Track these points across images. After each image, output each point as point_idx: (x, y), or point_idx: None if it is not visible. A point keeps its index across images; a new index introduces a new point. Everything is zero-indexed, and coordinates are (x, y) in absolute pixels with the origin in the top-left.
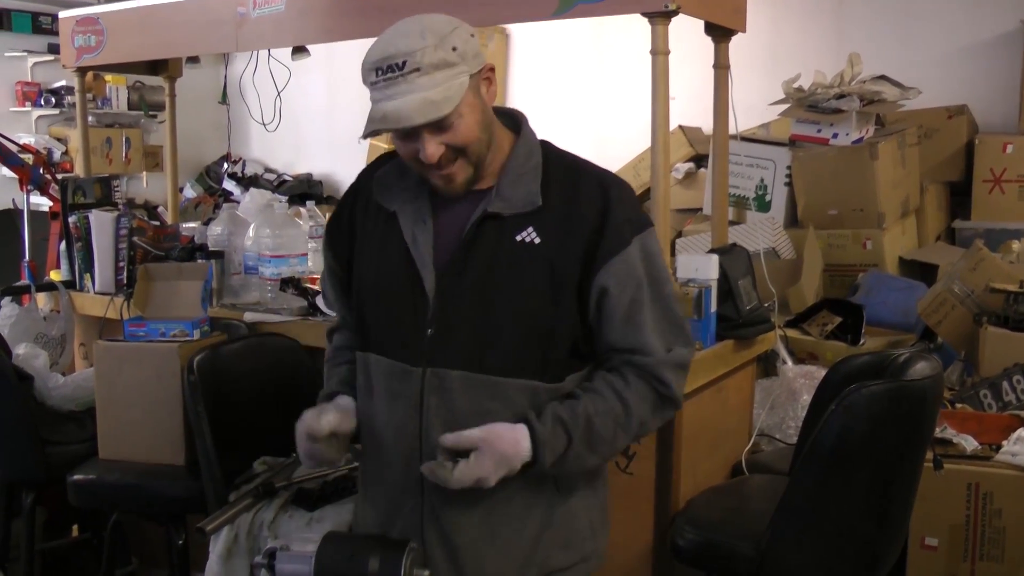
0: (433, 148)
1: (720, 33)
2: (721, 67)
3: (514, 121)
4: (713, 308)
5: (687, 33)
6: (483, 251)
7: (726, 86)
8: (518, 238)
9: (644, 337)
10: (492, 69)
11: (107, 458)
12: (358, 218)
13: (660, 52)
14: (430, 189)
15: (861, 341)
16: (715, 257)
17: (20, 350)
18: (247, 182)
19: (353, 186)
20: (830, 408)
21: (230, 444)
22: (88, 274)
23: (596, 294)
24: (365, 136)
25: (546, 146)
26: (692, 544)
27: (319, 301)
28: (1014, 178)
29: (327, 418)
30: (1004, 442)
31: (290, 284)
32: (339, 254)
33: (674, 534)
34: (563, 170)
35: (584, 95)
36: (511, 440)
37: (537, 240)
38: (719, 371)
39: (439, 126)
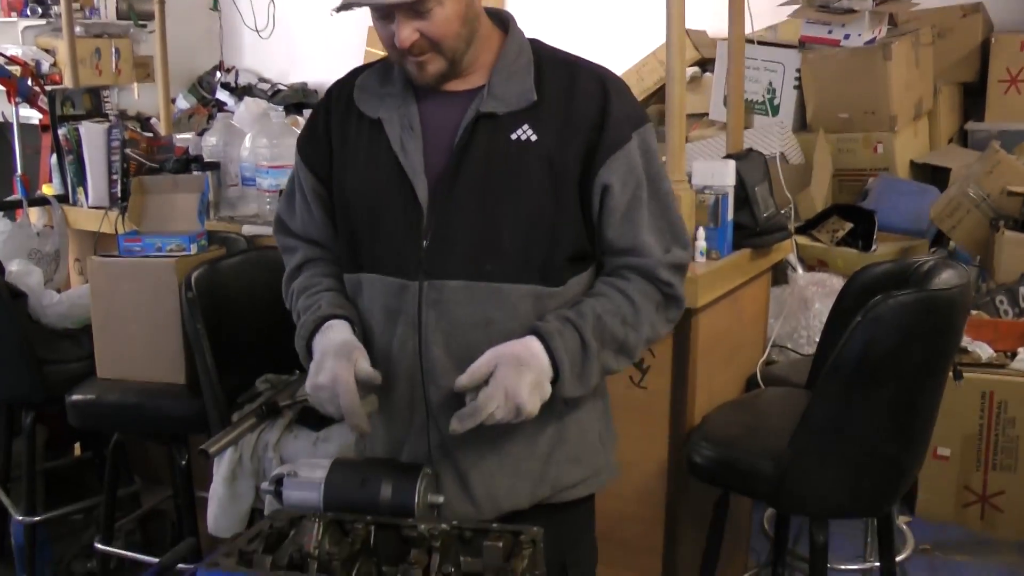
0: (407, 33)
1: None
2: None
3: (501, 20)
4: (730, 216)
5: None
6: (477, 153)
7: None
8: (513, 136)
9: (642, 236)
10: None
11: (106, 377)
12: (335, 130)
13: None
14: (416, 92)
15: (873, 247)
16: (732, 163)
17: (13, 267)
18: (241, 92)
19: (325, 97)
20: (855, 320)
21: (231, 362)
22: (81, 187)
23: (599, 191)
24: (337, 9)
25: (536, 43)
26: (709, 461)
27: None
28: None
29: (364, 366)
30: (1020, 349)
31: None
32: (318, 171)
33: (690, 451)
34: (557, 65)
35: None
36: (521, 346)
37: (534, 137)
38: (736, 281)
39: (415, 10)
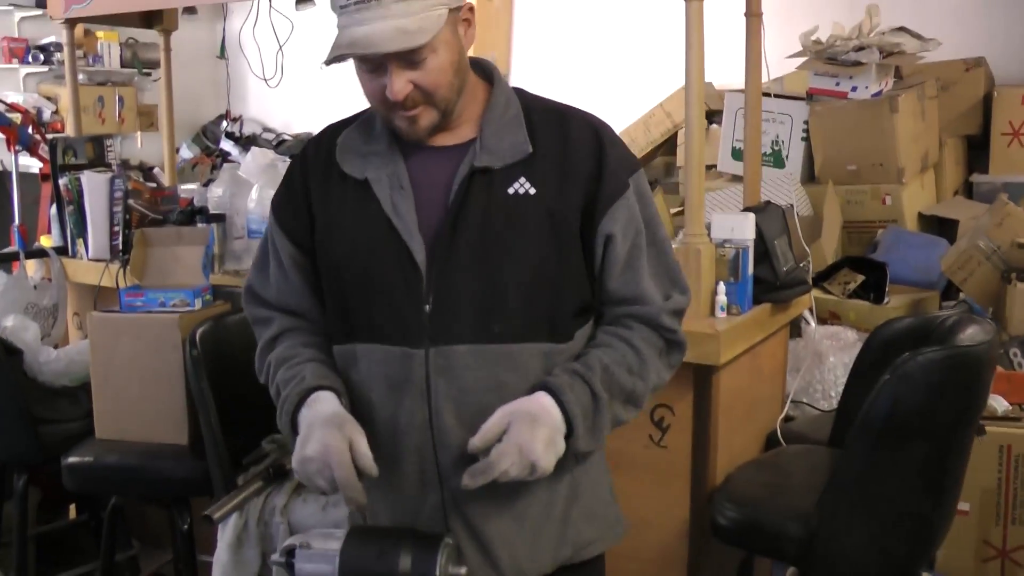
0: (400, 84)
1: None
2: (753, 15)
3: (485, 71)
4: (750, 270)
5: None
6: (474, 209)
7: (759, 36)
8: (511, 191)
9: (643, 285)
10: (472, 9)
11: (104, 438)
12: (315, 192)
13: None
14: (402, 149)
15: (885, 300)
16: (751, 216)
17: (8, 321)
18: (245, 142)
19: (300, 158)
20: (883, 377)
21: (237, 422)
22: (81, 239)
23: (602, 241)
24: (328, 62)
25: (521, 92)
26: (734, 523)
27: None
28: None
29: (361, 446)
30: None
31: None
32: (298, 237)
33: (714, 512)
34: (546, 114)
35: (590, 48)
36: (533, 402)
37: (532, 190)
38: (756, 337)
39: (410, 60)
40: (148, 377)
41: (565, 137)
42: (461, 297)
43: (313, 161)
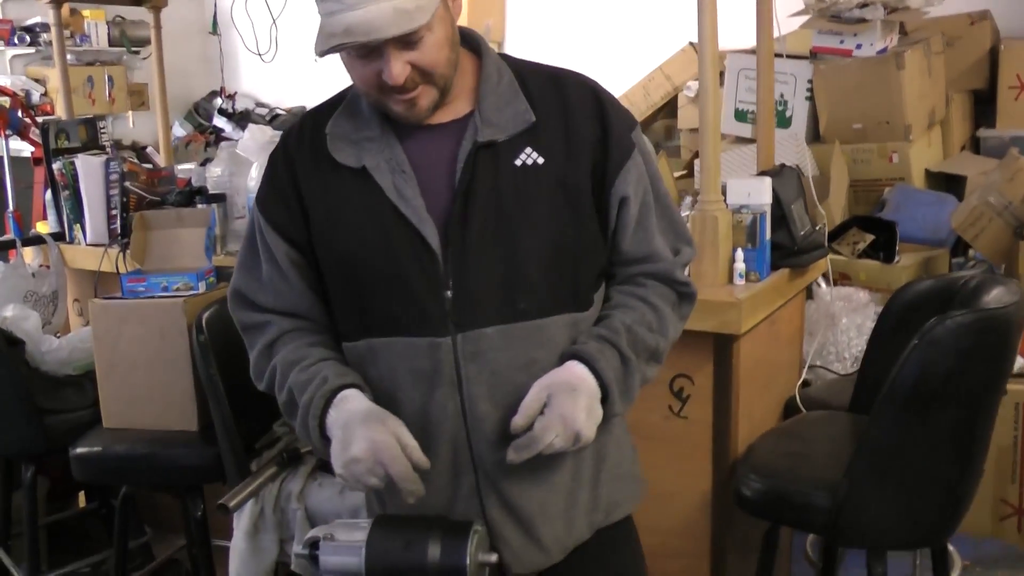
0: (399, 68)
1: None
2: None
3: (470, 40)
4: (768, 236)
5: None
6: (483, 186)
7: None
8: (518, 162)
9: (654, 243)
10: None
11: (112, 427)
12: (305, 185)
13: None
14: (396, 131)
15: (896, 259)
16: (768, 180)
17: (8, 311)
18: (238, 118)
19: (281, 150)
20: (911, 343)
21: (247, 406)
22: (78, 224)
23: (616, 204)
24: (321, 54)
25: (508, 59)
26: (760, 494)
27: None
28: None
29: (405, 433)
30: None
31: None
32: (292, 235)
33: (738, 483)
34: (540, 79)
35: (586, 11)
36: (568, 372)
37: (540, 160)
38: (776, 304)
39: (406, 41)
40: (154, 364)
41: (564, 102)
42: (482, 278)
43: (297, 152)
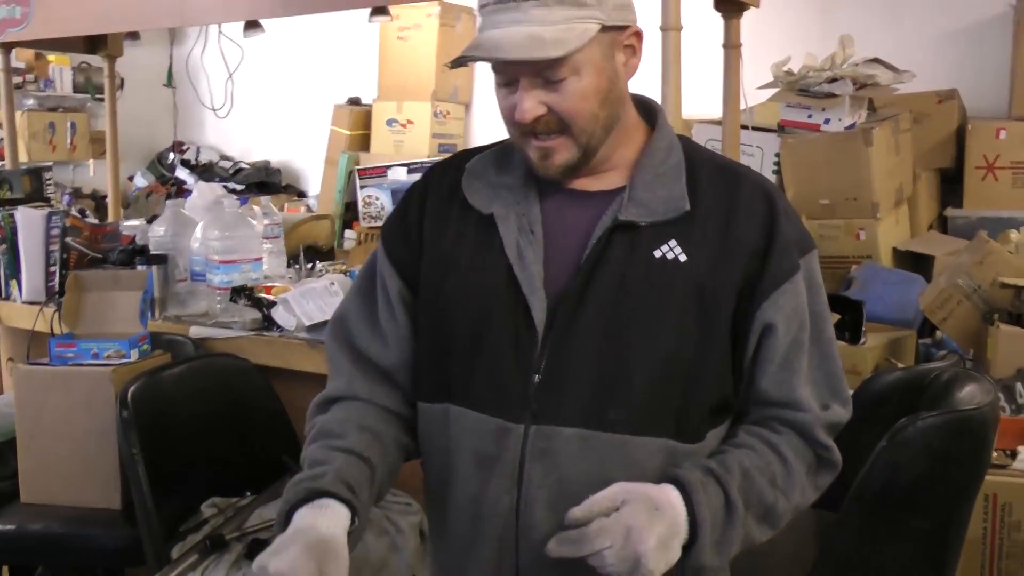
0: (530, 104)
1: (732, 8)
2: (732, 46)
3: (648, 111)
4: None
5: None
6: (611, 271)
7: (738, 68)
8: (657, 254)
9: (800, 389)
10: (639, 35)
11: (30, 502)
12: (430, 223)
13: (672, 28)
14: (539, 188)
15: (862, 340)
16: None
17: None
18: (202, 170)
19: (422, 181)
20: (881, 444)
21: (173, 485)
22: (14, 280)
23: (758, 331)
24: (452, 65)
25: (686, 142)
26: None
27: (275, 314)
28: (1008, 164)
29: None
30: (1020, 448)
31: (242, 294)
32: (407, 273)
33: None
34: (712, 170)
35: None
36: (657, 490)
37: (683, 257)
38: None
39: (545, 77)
40: (78, 436)
41: (733, 200)
42: (578, 371)
43: (436, 187)
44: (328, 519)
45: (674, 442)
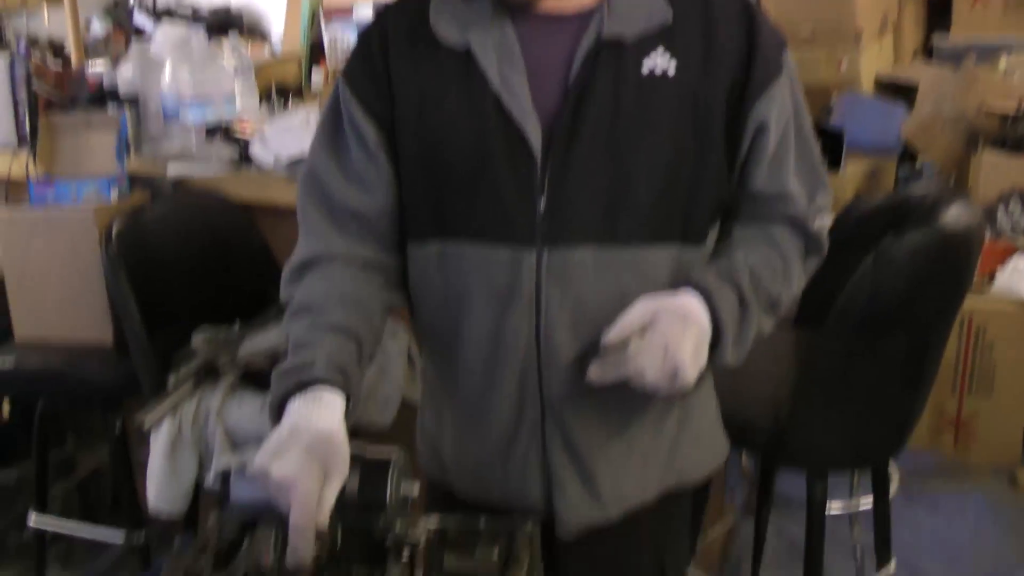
0: None
1: None
2: None
3: None
4: None
5: None
6: (601, 89)
7: None
8: (646, 69)
9: (789, 182)
10: None
11: (25, 340)
12: (395, 63)
13: None
14: (511, 17)
15: (842, 168)
16: None
17: None
18: (160, 15)
19: (378, 21)
20: (865, 263)
21: (163, 319)
22: None
23: (752, 131)
24: None
25: None
26: None
27: (252, 150)
28: None
29: (334, 486)
30: (998, 273)
31: (217, 132)
32: (381, 117)
33: None
34: None
35: None
36: (676, 297)
37: (671, 71)
38: None
39: None
40: (66, 276)
41: (707, 6)
42: (582, 191)
43: (394, 29)
44: (324, 412)
45: (681, 247)
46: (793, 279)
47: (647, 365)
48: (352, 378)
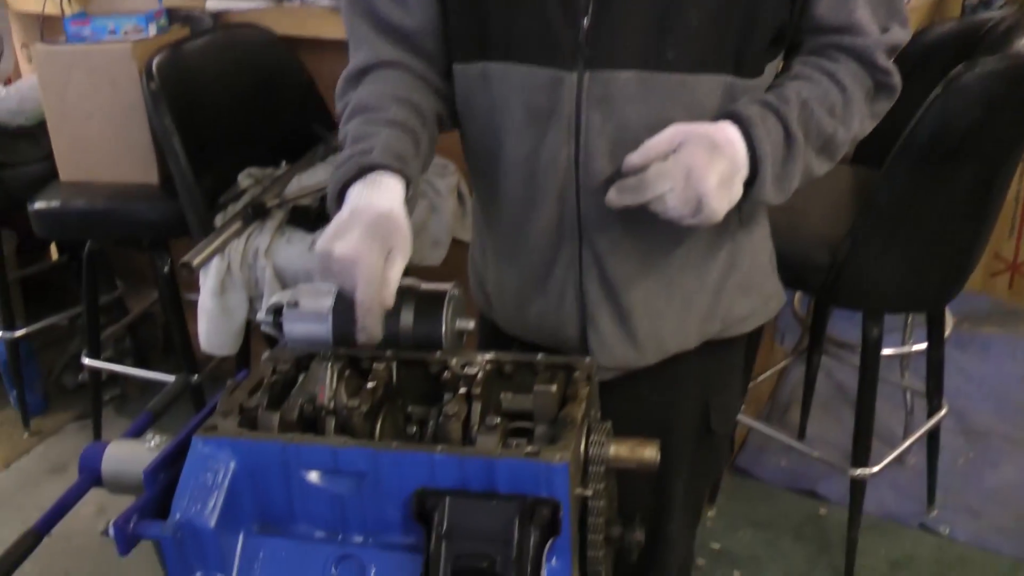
0: None
1: None
2: None
3: None
4: None
5: None
6: None
7: None
8: None
9: (858, 12)
10: None
11: (69, 180)
12: None
13: None
14: None
15: None
16: None
17: None
18: None
19: None
20: (935, 92)
21: (208, 157)
22: None
23: None
24: None
25: None
26: None
27: None
28: None
29: (399, 263)
30: None
31: None
32: None
33: None
34: None
35: None
36: (717, 128)
37: None
38: None
39: None
40: (107, 113)
41: None
42: (628, 11)
43: None
44: (384, 193)
45: (733, 78)
46: (853, 118)
47: (667, 190)
48: (410, 164)
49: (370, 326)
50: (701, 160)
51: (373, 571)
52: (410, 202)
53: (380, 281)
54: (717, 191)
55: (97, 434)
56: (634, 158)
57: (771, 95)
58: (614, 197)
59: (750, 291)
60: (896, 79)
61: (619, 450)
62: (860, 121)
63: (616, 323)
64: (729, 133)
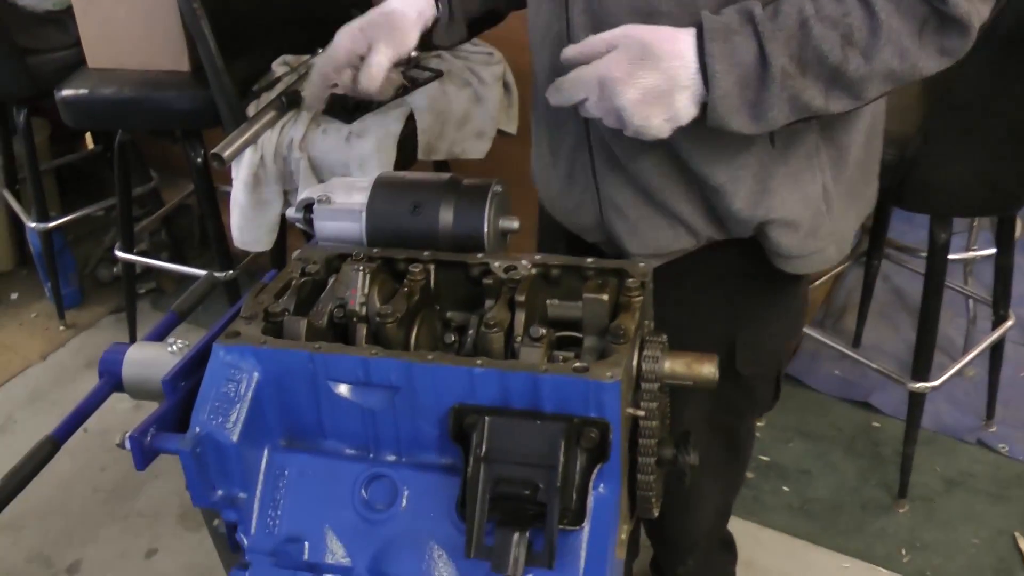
0: None
1: None
2: None
3: None
4: None
5: None
6: None
7: None
8: None
9: None
10: None
11: (97, 67)
12: None
13: None
14: None
15: None
16: None
17: None
18: None
19: None
20: None
21: (240, 44)
22: None
23: None
24: None
25: None
26: None
27: None
28: None
29: (381, 54)
30: None
31: None
32: None
33: None
34: None
35: None
36: (664, 36)
37: None
38: None
39: None
40: None
41: None
42: None
43: None
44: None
45: None
46: (880, 49)
47: (582, 97)
48: None
49: (308, 91)
50: (619, 71)
51: (406, 494)
52: (440, 25)
53: (340, 60)
54: (638, 105)
55: (131, 329)
56: (568, 51)
57: (763, 8)
58: (552, 93)
59: (788, 227)
60: (963, 7)
61: (674, 366)
62: (900, 55)
63: (643, 202)
64: (678, 44)
